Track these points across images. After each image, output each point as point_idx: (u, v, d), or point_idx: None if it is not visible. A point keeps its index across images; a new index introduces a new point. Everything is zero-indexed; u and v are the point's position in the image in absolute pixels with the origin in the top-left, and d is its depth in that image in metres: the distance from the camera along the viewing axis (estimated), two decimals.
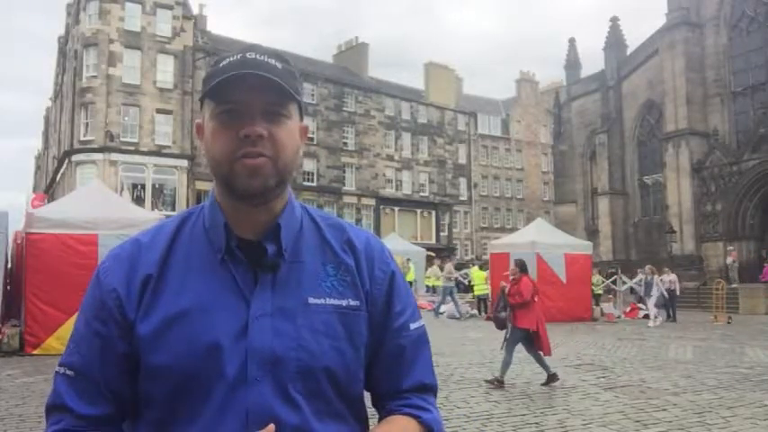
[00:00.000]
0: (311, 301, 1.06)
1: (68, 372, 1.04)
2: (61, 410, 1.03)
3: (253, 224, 1.07)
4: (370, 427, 1.10)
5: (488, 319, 18.76)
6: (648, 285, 17.73)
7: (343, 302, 1.08)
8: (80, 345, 1.05)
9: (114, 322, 1.03)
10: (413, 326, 1.17)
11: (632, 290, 22.95)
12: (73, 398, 1.02)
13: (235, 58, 1.04)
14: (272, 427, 0.96)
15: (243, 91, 1.01)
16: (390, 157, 48.88)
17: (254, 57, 1.04)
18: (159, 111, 36.03)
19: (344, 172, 45.66)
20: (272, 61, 1.04)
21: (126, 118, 35.23)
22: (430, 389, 1.18)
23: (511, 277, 8.39)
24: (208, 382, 0.99)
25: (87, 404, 1.02)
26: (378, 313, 1.12)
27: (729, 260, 25.45)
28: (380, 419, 1.12)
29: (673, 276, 18.84)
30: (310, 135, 41.97)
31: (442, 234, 51.59)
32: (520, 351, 10.80)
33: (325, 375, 1.03)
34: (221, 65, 1.05)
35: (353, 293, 1.10)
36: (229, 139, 1.01)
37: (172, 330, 1.00)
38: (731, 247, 26.48)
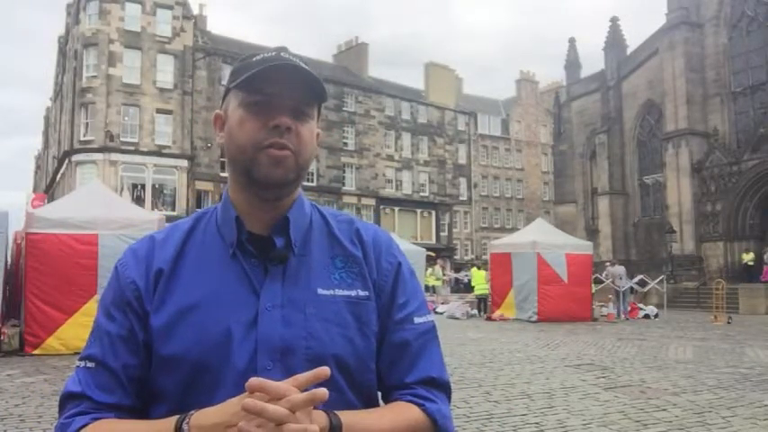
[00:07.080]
0: (320, 291, 1.08)
1: (89, 364, 1.06)
2: (80, 398, 1.04)
3: (263, 219, 1.10)
4: None
5: (488, 319, 18.77)
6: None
7: (353, 293, 1.10)
8: (101, 337, 1.07)
9: (134, 312, 1.06)
10: (418, 320, 1.15)
11: (632, 289, 22.94)
12: (92, 387, 1.04)
13: (269, 54, 1.08)
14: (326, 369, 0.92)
15: (276, 84, 1.05)
16: (390, 157, 48.88)
17: (287, 57, 1.07)
18: (159, 111, 36.04)
19: (344, 172, 45.67)
20: (302, 65, 1.08)
21: (126, 118, 35.23)
22: (439, 384, 1.13)
23: None
24: (218, 372, 1.01)
25: (107, 393, 1.03)
26: (383, 304, 1.13)
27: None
28: None
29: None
30: None
31: (442, 234, 51.59)
32: (521, 351, 10.77)
33: (334, 363, 1.02)
34: (255, 59, 1.08)
35: (362, 284, 1.11)
36: (258, 128, 1.05)
37: (184, 322, 1.03)
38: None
